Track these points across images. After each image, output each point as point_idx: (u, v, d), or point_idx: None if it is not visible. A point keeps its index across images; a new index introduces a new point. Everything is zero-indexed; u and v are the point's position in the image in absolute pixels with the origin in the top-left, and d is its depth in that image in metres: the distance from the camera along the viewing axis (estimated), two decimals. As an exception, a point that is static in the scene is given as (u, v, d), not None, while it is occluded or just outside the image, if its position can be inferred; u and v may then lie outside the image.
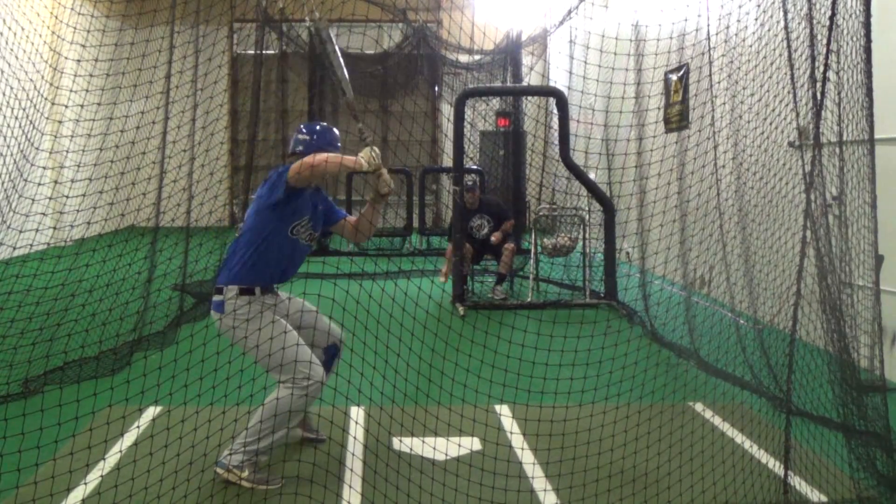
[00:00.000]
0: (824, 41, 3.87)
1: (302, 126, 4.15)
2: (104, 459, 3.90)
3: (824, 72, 3.85)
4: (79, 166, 5.30)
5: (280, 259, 3.84)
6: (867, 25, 3.89)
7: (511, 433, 4.45)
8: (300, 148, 4.01)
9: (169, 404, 4.26)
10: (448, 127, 10.81)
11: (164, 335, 6.33)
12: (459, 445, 4.22)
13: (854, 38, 3.96)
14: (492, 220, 8.86)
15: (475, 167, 11.74)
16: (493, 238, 8.73)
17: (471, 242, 8.73)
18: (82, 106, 5.30)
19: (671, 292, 7.70)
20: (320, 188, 4.16)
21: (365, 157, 3.73)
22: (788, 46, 4.44)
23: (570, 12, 9.92)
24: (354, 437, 4.37)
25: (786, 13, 4.54)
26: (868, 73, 3.94)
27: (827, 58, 3.85)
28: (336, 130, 4.16)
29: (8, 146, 5.33)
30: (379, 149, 3.90)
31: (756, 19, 5.35)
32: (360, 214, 4.17)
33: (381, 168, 3.80)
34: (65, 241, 5.22)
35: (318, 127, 4.14)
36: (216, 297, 3.82)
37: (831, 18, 3.81)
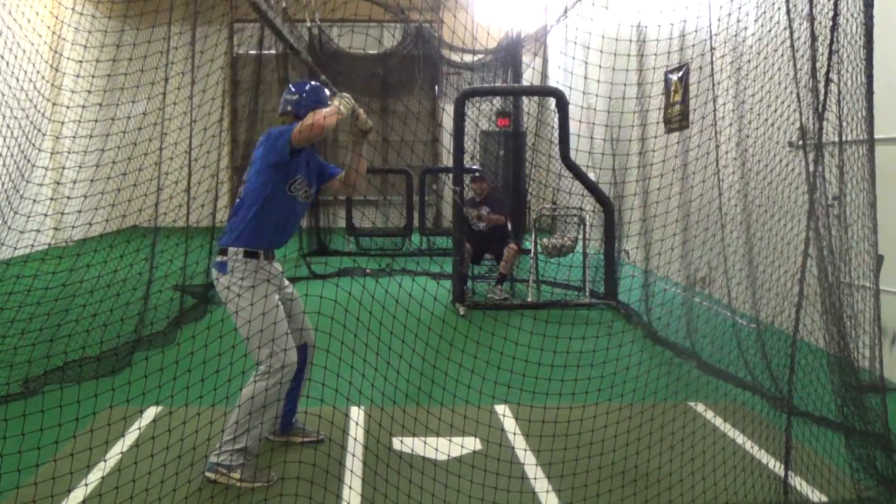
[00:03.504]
0: (826, 41, 3.87)
1: (291, 86, 4.20)
2: (105, 460, 3.90)
3: (827, 72, 3.85)
4: (80, 167, 5.30)
5: (281, 218, 3.92)
6: (868, 26, 3.89)
7: (511, 433, 4.45)
8: (289, 108, 4.08)
9: (170, 405, 4.27)
10: (449, 126, 10.81)
11: (164, 336, 6.34)
12: (460, 446, 4.22)
13: (855, 39, 3.96)
14: (490, 213, 8.89)
15: (475, 167, 11.74)
16: (473, 214, 8.71)
17: (470, 235, 8.75)
18: (83, 106, 5.30)
19: (674, 293, 7.70)
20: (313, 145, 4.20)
21: (341, 103, 3.82)
22: (792, 46, 4.43)
23: (566, 11, 9.90)
24: (354, 438, 4.37)
25: (788, 13, 4.53)
26: (868, 74, 3.94)
27: (829, 58, 3.84)
28: (326, 90, 4.18)
29: (9, 147, 5.33)
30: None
31: (756, 20, 5.35)
32: (346, 166, 4.23)
33: (357, 108, 3.91)
34: (66, 242, 5.23)
35: (307, 86, 4.15)
36: (220, 258, 3.86)
37: (833, 19, 3.81)
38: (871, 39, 3.90)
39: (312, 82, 4.20)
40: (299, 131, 3.72)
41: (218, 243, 3.97)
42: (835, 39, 3.84)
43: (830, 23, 3.82)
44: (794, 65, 4.37)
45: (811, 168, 3.88)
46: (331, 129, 3.79)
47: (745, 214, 5.97)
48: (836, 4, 3.81)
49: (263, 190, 3.86)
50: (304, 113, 3.92)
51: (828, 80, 3.86)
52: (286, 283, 4.12)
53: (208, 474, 3.76)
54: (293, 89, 4.13)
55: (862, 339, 4.20)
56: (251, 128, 12.35)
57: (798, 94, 4.37)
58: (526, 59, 12.40)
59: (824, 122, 3.90)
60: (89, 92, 5.39)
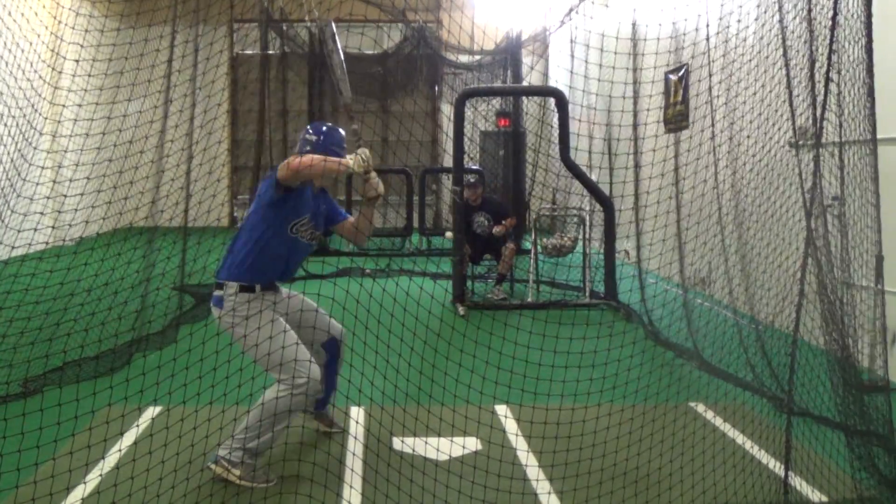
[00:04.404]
0: (826, 41, 3.86)
1: (309, 127, 4.17)
2: (104, 459, 3.89)
3: (827, 72, 3.85)
4: (77, 166, 5.29)
5: (279, 257, 3.88)
6: (868, 26, 3.89)
7: (512, 434, 4.44)
8: (307, 148, 4.03)
9: (168, 404, 4.25)
10: (448, 127, 10.81)
11: (163, 335, 6.32)
12: (461, 446, 4.21)
13: (856, 39, 3.96)
14: (492, 218, 8.87)
15: (475, 167, 11.74)
16: (494, 230, 8.73)
17: (472, 240, 8.74)
18: (80, 105, 5.29)
19: (675, 294, 7.69)
20: (325, 189, 4.17)
21: (353, 159, 3.74)
22: (784, 46, 4.43)
23: (570, 11, 9.90)
24: (355, 437, 4.36)
25: (782, 13, 4.53)
26: (870, 74, 3.94)
27: (829, 58, 3.84)
28: (342, 131, 4.16)
29: (5, 146, 5.31)
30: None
31: (756, 19, 5.35)
32: (357, 216, 4.22)
33: (371, 171, 3.79)
34: (63, 241, 5.21)
35: (324, 128, 4.14)
36: (216, 292, 3.84)
37: (833, 18, 3.80)
38: (871, 39, 3.89)
39: (329, 125, 4.17)
40: (284, 171, 3.68)
41: (216, 277, 3.93)
42: (834, 39, 3.83)
43: (830, 22, 3.82)
44: (787, 63, 4.38)
45: (810, 168, 3.87)
46: (319, 174, 3.73)
47: (746, 214, 5.96)
48: (835, 4, 3.81)
49: (258, 228, 3.83)
50: (321, 154, 3.90)
51: (828, 80, 3.85)
52: (293, 303, 4.08)
53: (210, 465, 3.76)
54: (311, 130, 4.11)
55: (862, 339, 4.19)
56: (247, 126, 12.34)
57: (791, 94, 4.37)
58: (527, 59, 12.41)
59: (824, 122, 3.90)
60: (86, 91, 5.37)
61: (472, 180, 9.24)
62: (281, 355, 3.70)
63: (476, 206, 8.87)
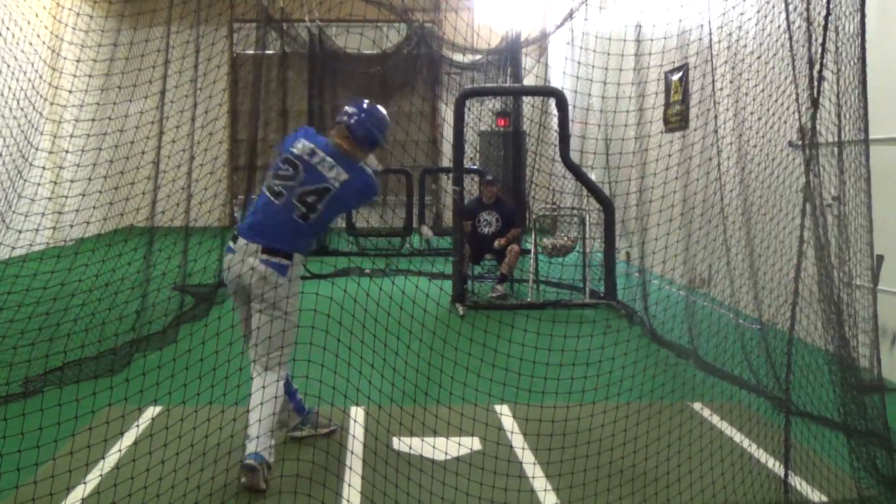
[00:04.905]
0: (820, 40, 3.87)
1: (348, 106, 4.11)
2: (104, 459, 3.89)
3: (820, 71, 3.85)
4: (77, 166, 5.29)
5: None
6: (862, 25, 3.90)
7: (511, 433, 4.45)
8: (352, 121, 4.00)
9: (168, 404, 4.26)
10: (447, 127, 10.82)
11: (163, 335, 6.32)
12: (460, 445, 4.22)
13: (851, 38, 3.96)
14: (501, 220, 8.89)
15: (474, 167, 11.73)
16: (496, 243, 8.77)
17: (473, 236, 8.75)
18: (81, 106, 5.30)
19: (671, 292, 7.70)
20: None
21: None
22: (791, 46, 4.43)
23: (571, 13, 9.90)
24: (354, 437, 4.37)
25: (787, 13, 4.53)
26: (863, 74, 3.94)
27: (823, 57, 3.84)
28: (383, 110, 4.15)
29: (7, 146, 5.33)
30: (378, 150, 4.06)
31: (751, 17, 5.35)
32: None
33: None
34: (64, 241, 5.22)
35: (365, 104, 4.10)
36: (283, 260, 3.82)
37: (826, 17, 3.81)
38: (864, 38, 3.90)
39: (369, 102, 4.11)
40: None
41: (269, 242, 3.85)
42: (829, 39, 3.83)
43: (824, 21, 3.82)
44: (794, 64, 4.38)
45: (806, 167, 3.88)
46: None
47: (745, 214, 5.96)
48: (828, 3, 3.82)
49: (328, 225, 4.22)
50: (361, 132, 3.96)
51: (821, 79, 3.85)
52: None
53: (251, 462, 3.68)
54: (351, 106, 4.07)
55: (861, 339, 4.20)
56: (247, 127, 12.32)
57: (798, 94, 4.37)
58: (525, 60, 12.40)
59: (821, 122, 3.91)
60: (86, 91, 5.38)
61: (489, 178, 9.37)
62: (290, 336, 3.94)
63: (489, 203, 8.92)
